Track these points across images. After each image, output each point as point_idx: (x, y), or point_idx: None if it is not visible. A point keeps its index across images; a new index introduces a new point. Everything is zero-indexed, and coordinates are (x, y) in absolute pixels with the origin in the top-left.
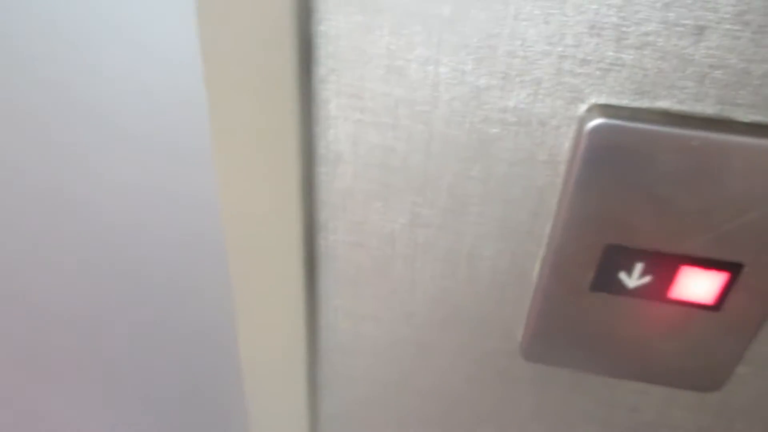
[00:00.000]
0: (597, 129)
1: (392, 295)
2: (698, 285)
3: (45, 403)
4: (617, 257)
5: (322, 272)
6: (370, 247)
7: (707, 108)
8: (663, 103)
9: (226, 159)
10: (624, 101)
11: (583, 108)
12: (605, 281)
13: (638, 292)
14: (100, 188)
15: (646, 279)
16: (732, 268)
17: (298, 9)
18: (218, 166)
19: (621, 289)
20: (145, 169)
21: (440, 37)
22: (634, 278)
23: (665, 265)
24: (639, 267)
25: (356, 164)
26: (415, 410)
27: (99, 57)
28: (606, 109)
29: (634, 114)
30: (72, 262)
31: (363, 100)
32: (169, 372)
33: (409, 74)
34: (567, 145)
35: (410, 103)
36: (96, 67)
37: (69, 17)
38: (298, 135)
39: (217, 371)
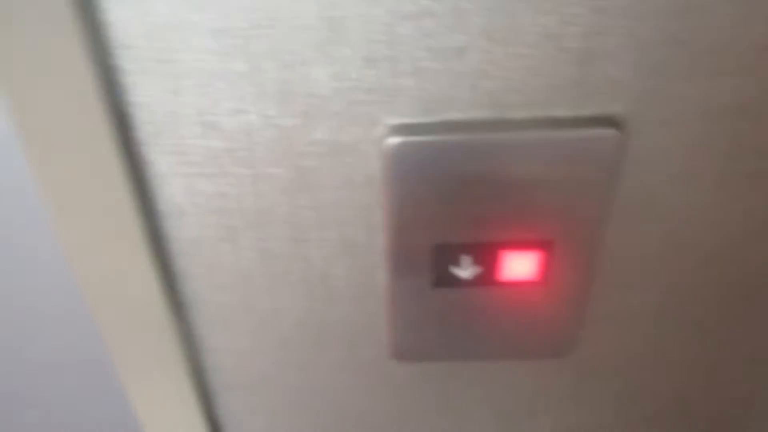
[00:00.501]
0: (395, 147)
1: (263, 326)
2: (521, 265)
3: None
4: (446, 254)
5: (194, 317)
6: (231, 286)
7: (485, 113)
8: (448, 115)
9: (70, 236)
10: (415, 119)
11: (381, 130)
12: (443, 277)
13: (473, 282)
14: None
15: (477, 269)
16: (545, 245)
17: (106, 84)
18: (65, 245)
19: (457, 281)
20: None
21: (242, 90)
22: (465, 270)
23: (488, 254)
24: (467, 259)
25: (197, 214)
26: (314, 428)
27: None
28: (400, 128)
29: (425, 128)
30: None
31: (188, 155)
32: None
33: (222, 127)
34: (376, 165)
35: (230, 151)
36: None
37: None
38: (132, 197)
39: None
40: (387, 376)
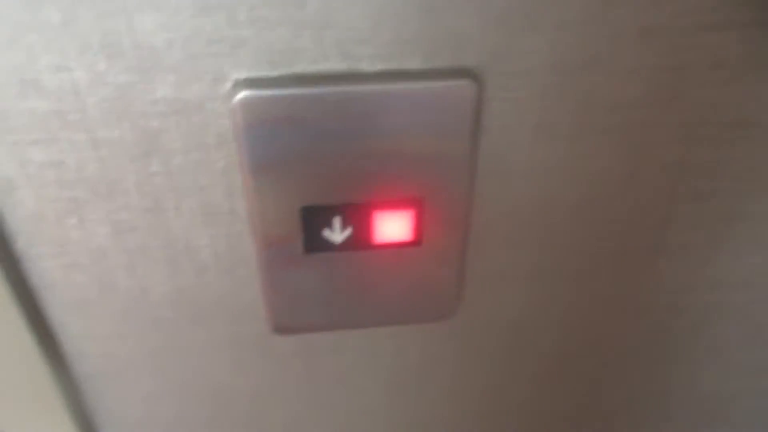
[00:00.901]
0: (243, 102)
1: (127, 307)
2: (395, 226)
3: None
4: (315, 217)
5: (47, 302)
6: (85, 265)
7: (336, 65)
8: (297, 68)
9: None
10: (263, 73)
11: (228, 86)
12: (314, 242)
13: (346, 245)
14: None
15: (348, 231)
16: (415, 204)
17: None
18: None
19: (330, 245)
20: None
21: (61, 43)
22: (337, 233)
23: (360, 215)
24: (338, 221)
25: (32, 186)
26: (196, 412)
27: None
28: (248, 82)
29: (275, 82)
30: None
31: (8, 120)
32: None
33: (45, 86)
34: (228, 123)
35: (59, 113)
36: None
37: None
38: None
39: None
40: (270, 351)
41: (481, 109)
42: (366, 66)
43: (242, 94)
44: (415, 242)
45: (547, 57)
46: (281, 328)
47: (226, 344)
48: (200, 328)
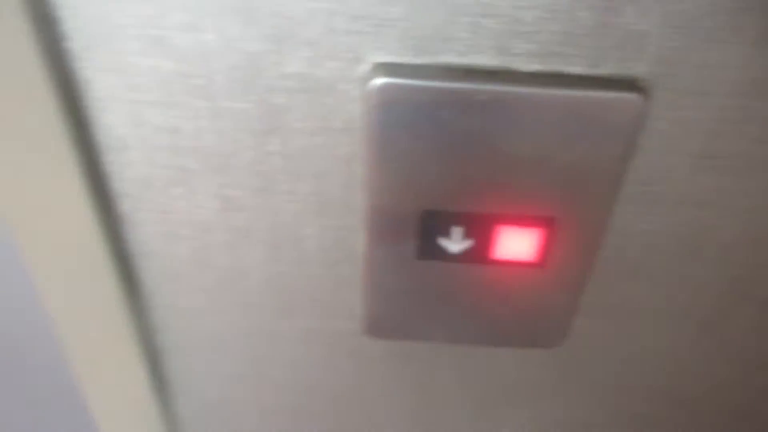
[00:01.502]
0: (381, 89)
1: (220, 286)
2: (519, 243)
3: None
4: (435, 223)
5: (141, 270)
6: (185, 237)
7: (489, 60)
8: (444, 58)
9: None
10: (405, 58)
11: (365, 68)
12: (429, 248)
13: (463, 257)
14: None
15: (468, 243)
16: (546, 223)
17: None
18: None
19: (445, 255)
20: None
21: (196, 0)
22: (455, 243)
23: (483, 227)
24: (459, 231)
25: (144, 149)
26: (273, 401)
27: None
28: (387, 68)
29: (417, 71)
30: None
31: (130, 76)
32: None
33: (172, 44)
34: (359, 109)
35: (183, 76)
36: None
37: None
38: (67, 123)
39: (56, 394)
40: (356, 350)
41: (642, 127)
42: (521, 64)
43: (380, 80)
44: (538, 263)
45: (732, 76)
46: (375, 331)
47: (313, 338)
48: (290, 319)
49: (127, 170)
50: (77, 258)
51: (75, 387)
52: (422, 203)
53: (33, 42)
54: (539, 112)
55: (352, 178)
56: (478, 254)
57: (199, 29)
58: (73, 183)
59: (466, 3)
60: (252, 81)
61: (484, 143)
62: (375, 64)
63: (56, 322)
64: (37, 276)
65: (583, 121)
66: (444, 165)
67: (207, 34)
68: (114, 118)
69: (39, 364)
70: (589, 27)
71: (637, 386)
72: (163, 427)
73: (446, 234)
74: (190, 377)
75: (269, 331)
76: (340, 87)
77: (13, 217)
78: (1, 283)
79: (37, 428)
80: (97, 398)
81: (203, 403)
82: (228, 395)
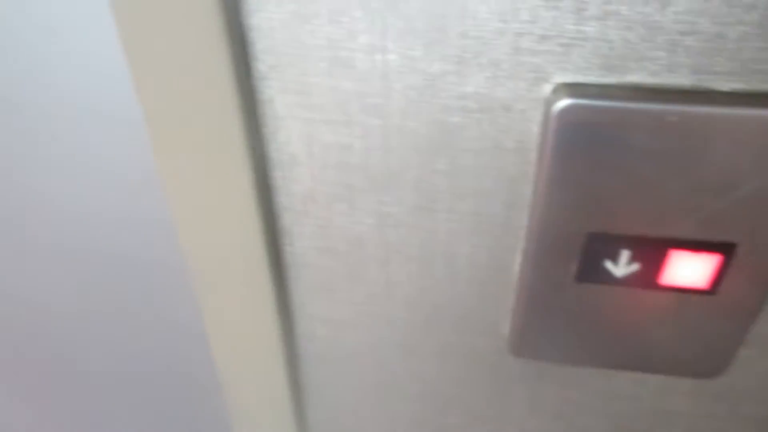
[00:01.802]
0: (565, 111)
1: (369, 300)
2: (690, 269)
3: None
4: (601, 245)
5: (292, 280)
6: (340, 252)
7: (682, 79)
8: (634, 77)
9: (172, 174)
10: (591, 78)
11: (548, 89)
12: (590, 271)
13: (627, 281)
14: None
15: (634, 267)
16: (724, 249)
17: (225, 3)
18: (166, 183)
19: (608, 278)
20: (97, 196)
21: (384, 22)
22: (621, 266)
23: (653, 251)
24: (625, 254)
25: (313, 165)
26: (405, 415)
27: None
28: (573, 89)
29: (604, 91)
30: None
31: (310, 96)
32: (148, 397)
33: (355, 65)
34: (535, 130)
35: (361, 96)
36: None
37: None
38: (245, 139)
39: (197, 391)
40: (497, 370)
41: None
42: (718, 84)
43: (564, 102)
44: (708, 290)
45: None
46: (522, 351)
47: (454, 355)
48: (434, 335)
49: (293, 185)
50: (236, 262)
51: (216, 383)
52: (589, 225)
53: (226, 61)
54: (735, 134)
55: (516, 198)
56: (644, 279)
57: (384, 51)
58: (243, 194)
59: (666, 20)
60: (428, 101)
61: (669, 166)
62: (558, 84)
63: (207, 319)
64: (197, 274)
65: None
66: (620, 187)
67: (390, 55)
68: (289, 135)
69: (184, 360)
70: None
71: None
72: (295, 431)
73: (611, 257)
74: (326, 385)
75: (409, 345)
76: (518, 107)
77: (182, 217)
78: (163, 279)
79: (173, 423)
80: (235, 398)
81: (336, 411)
82: (361, 405)
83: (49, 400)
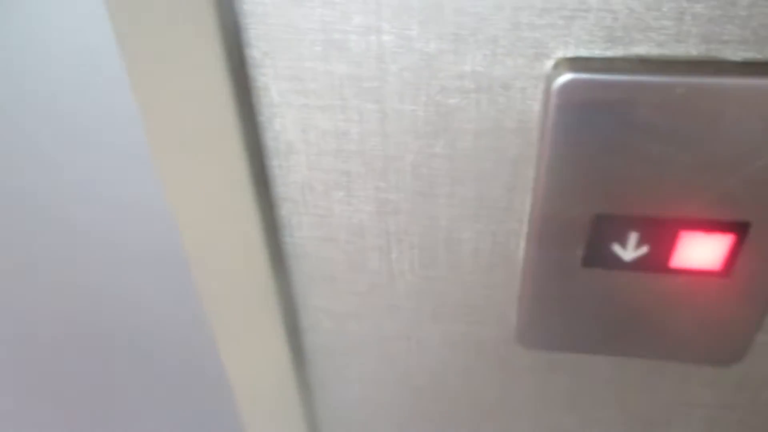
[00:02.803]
0: (567, 86)
1: (372, 290)
2: (702, 251)
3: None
4: (608, 228)
5: (294, 272)
6: (340, 241)
7: (691, 49)
8: (639, 49)
9: (168, 166)
10: (595, 51)
11: (549, 64)
12: (598, 255)
13: (636, 265)
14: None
15: (644, 249)
16: (738, 228)
17: None
18: (163, 175)
19: (617, 262)
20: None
21: (378, 1)
22: (629, 249)
23: (663, 232)
24: (634, 237)
25: (309, 153)
26: (414, 407)
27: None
28: (575, 63)
29: (608, 65)
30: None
31: (304, 82)
32: (156, 393)
33: (349, 47)
34: (537, 108)
35: (356, 79)
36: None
37: None
38: (241, 128)
39: (204, 387)
40: (505, 360)
41: None
42: (730, 53)
43: (566, 77)
44: (722, 273)
45: None
46: (531, 341)
47: (460, 345)
48: (438, 324)
49: (291, 174)
50: (236, 255)
51: (223, 380)
52: (595, 207)
53: (218, 48)
54: (747, 106)
55: (518, 180)
56: (654, 263)
57: (378, 31)
58: (240, 185)
59: None
60: (426, 82)
61: (678, 142)
62: (559, 59)
63: (210, 315)
64: (197, 269)
65: None
66: (627, 166)
67: (384, 35)
68: (285, 122)
69: (189, 356)
70: None
71: None
72: (303, 425)
73: (619, 240)
74: (333, 378)
75: (416, 335)
76: (518, 85)
77: (180, 212)
78: (163, 276)
79: (182, 422)
80: (243, 393)
81: (343, 404)
82: (368, 398)
83: (55, 400)
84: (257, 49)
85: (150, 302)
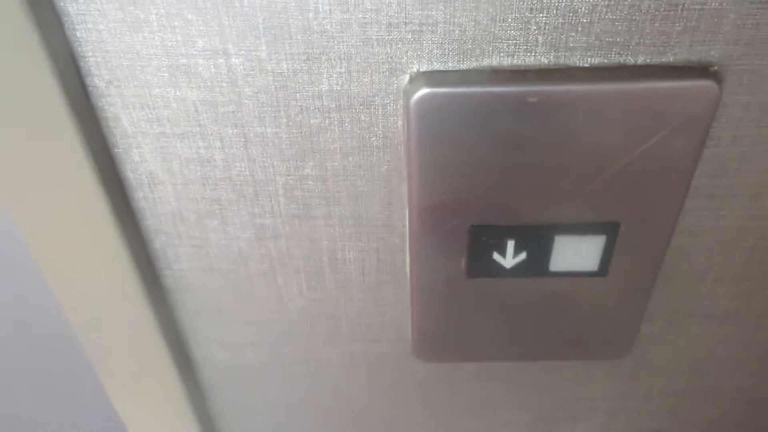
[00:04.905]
0: (423, 100)
1: (263, 317)
2: (578, 253)
3: None
4: (486, 238)
5: (179, 306)
6: (222, 270)
7: (541, 57)
8: (491, 60)
9: (24, 214)
10: (449, 64)
11: (404, 79)
12: (480, 265)
13: (518, 271)
14: None
15: (522, 256)
16: (609, 229)
17: (38, 16)
18: (21, 224)
19: (499, 270)
20: None
21: (220, 22)
22: (509, 257)
23: (538, 239)
24: (511, 245)
25: (175, 183)
26: (324, 427)
27: None
28: (430, 77)
29: (462, 77)
30: None
31: (157, 109)
32: None
33: (198, 72)
34: (400, 123)
35: (211, 104)
36: None
37: None
38: (93, 161)
39: None
40: (407, 374)
41: (714, 119)
42: (578, 60)
43: (421, 92)
44: (600, 273)
45: None
46: (427, 355)
47: (361, 363)
48: (336, 345)
49: (158, 206)
50: (110, 295)
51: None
52: (470, 218)
53: (50, 78)
54: (600, 110)
55: (393, 196)
56: (534, 267)
57: (226, 53)
58: (102, 221)
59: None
60: (283, 103)
61: (539, 149)
62: (413, 73)
63: (98, 365)
64: (74, 322)
65: (650, 115)
66: (494, 176)
67: (233, 58)
68: (142, 153)
69: (87, 405)
70: (654, 11)
71: (708, 390)
72: None
73: (498, 248)
74: (238, 408)
75: (314, 358)
76: (378, 101)
77: (45, 263)
78: (44, 329)
79: None
80: None
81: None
82: (274, 424)
83: None
84: (99, 78)
85: (31, 364)
